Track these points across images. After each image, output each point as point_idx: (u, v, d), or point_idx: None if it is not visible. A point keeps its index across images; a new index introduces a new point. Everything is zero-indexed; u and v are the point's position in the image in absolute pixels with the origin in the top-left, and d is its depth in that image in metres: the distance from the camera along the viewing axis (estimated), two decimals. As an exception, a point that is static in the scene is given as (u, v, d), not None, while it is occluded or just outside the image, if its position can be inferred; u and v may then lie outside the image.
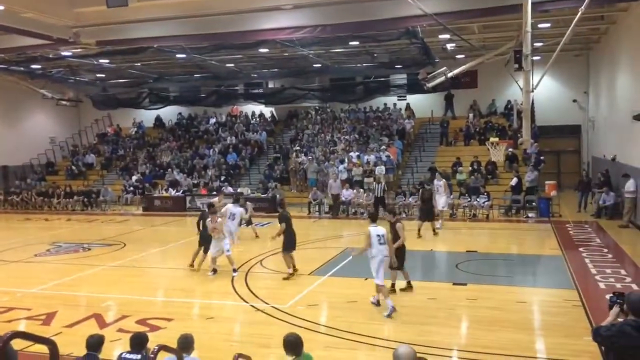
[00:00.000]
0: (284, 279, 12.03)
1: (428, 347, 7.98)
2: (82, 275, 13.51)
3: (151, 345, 5.80)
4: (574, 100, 28.23)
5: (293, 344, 5.26)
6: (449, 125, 28.28)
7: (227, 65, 26.99)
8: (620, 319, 4.98)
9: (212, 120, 33.89)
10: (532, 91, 14.46)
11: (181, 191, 26.49)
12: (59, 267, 14.63)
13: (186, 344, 5.79)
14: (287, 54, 24.43)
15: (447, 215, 20.32)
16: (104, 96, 31.13)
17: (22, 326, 9.62)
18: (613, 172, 20.49)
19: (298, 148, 28.21)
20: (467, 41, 20.33)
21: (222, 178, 27.15)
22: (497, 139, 21.92)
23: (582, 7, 12.86)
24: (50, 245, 17.70)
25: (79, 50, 20.66)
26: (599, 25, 21.15)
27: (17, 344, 6.13)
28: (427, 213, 17.80)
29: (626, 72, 19.23)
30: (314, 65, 26.69)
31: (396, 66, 25.29)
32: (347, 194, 22.60)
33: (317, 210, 23.21)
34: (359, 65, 26.65)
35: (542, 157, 23.53)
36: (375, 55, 25.16)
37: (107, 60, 24.53)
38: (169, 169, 28.96)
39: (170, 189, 26.75)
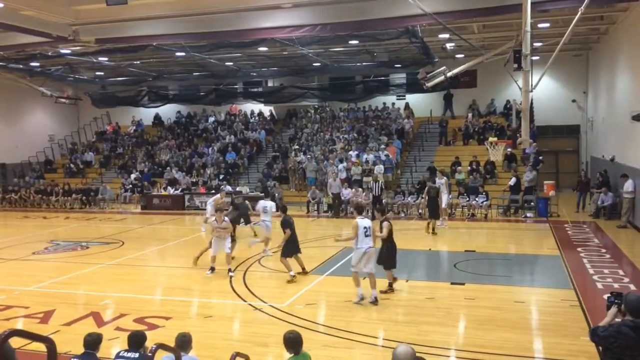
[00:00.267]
0: (288, 281, 11.95)
1: (426, 347, 7.98)
2: (80, 274, 13.50)
3: (149, 343, 5.79)
4: (573, 101, 28.25)
5: (293, 342, 5.31)
6: (448, 124, 28.29)
7: (227, 63, 27.01)
8: (617, 319, 5.00)
9: (211, 119, 33.88)
10: (531, 91, 14.47)
11: (180, 190, 26.48)
12: (57, 265, 14.62)
13: (184, 342, 5.79)
14: (286, 53, 24.45)
15: (446, 214, 20.31)
16: (103, 94, 31.17)
17: (19, 324, 9.61)
18: (612, 172, 20.51)
19: (297, 147, 28.21)
20: (467, 41, 20.33)
21: (221, 177, 27.15)
22: (496, 139, 21.92)
23: (582, 7, 12.88)
24: (49, 243, 17.70)
25: (78, 48, 20.66)
26: (599, 25, 21.16)
27: (14, 342, 6.12)
28: (433, 211, 17.89)
29: (625, 73, 19.24)
30: (314, 64, 26.71)
31: (395, 65, 25.34)
32: (345, 193, 22.61)
33: (316, 209, 23.22)
34: (358, 64, 26.67)
35: (540, 157, 23.54)
36: (375, 54, 25.19)
37: (106, 58, 24.52)
38: (168, 168, 28.94)
39: (169, 188, 26.74)
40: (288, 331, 5.50)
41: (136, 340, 5.68)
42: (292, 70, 27.56)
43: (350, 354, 8.27)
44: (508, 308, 10.03)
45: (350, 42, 21.36)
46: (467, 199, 21.37)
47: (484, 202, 21.05)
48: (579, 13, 13.22)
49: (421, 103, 29.85)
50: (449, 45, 23.63)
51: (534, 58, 16.15)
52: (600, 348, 5.18)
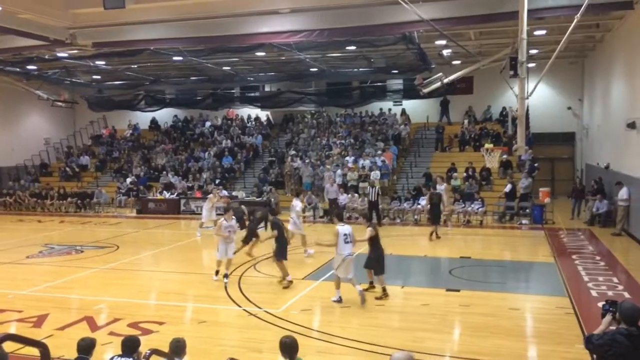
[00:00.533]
0: (284, 287, 11.92)
1: (421, 353, 7.97)
2: (74, 278, 13.44)
3: (143, 349, 5.78)
4: (569, 108, 28.34)
5: (289, 347, 5.30)
6: (444, 131, 28.34)
7: (224, 68, 27.02)
8: (612, 327, 5.01)
9: (208, 123, 33.87)
10: (527, 98, 14.54)
11: (175, 194, 26.43)
12: (51, 269, 14.56)
13: (178, 348, 5.77)
14: (283, 58, 24.48)
15: (449, 219, 20.33)
16: (100, 98, 31.16)
17: (13, 328, 9.56)
18: (606, 180, 20.57)
19: (293, 152, 28.21)
20: (464, 47, 20.38)
21: (217, 181, 27.12)
22: (491, 146, 22.00)
23: (578, 15, 12.96)
24: (43, 247, 17.62)
25: (75, 51, 20.65)
26: (595, 33, 21.27)
27: (8, 347, 6.09)
28: (435, 216, 17.99)
29: (621, 80, 19.33)
30: (311, 70, 26.75)
31: (392, 71, 25.41)
32: (342, 198, 22.61)
33: (312, 214, 23.20)
34: (355, 70, 26.73)
35: (536, 164, 23.61)
36: (372, 60, 25.24)
37: (103, 62, 24.51)
38: (164, 172, 28.89)
39: (165, 192, 26.68)
40: (284, 336, 5.48)
41: (130, 345, 5.67)
42: (289, 75, 27.59)
43: (344, 360, 8.26)
44: (503, 315, 10.04)
45: (347, 47, 21.40)
46: (463, 205, 21.40)
47: (480, 209, 21.08)
48: (575, 21, 13.29)
49: (418, 109, 29.91)
50: (445, 52, 23.71)
51: (530, 65, 16.26)
52: (595, 356, 5.18)
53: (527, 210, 21.03)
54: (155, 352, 5.83)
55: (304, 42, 18.19)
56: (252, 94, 32.05)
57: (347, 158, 26.21)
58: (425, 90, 19.41)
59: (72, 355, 5.67)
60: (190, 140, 32.81)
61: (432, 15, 14.72)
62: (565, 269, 13.48)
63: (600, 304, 5.26)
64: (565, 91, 28.28)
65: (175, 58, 22.86)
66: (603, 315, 5.11)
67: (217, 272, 12.73)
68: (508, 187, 21.51)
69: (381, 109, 31.18)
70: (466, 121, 28.61)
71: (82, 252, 16.82)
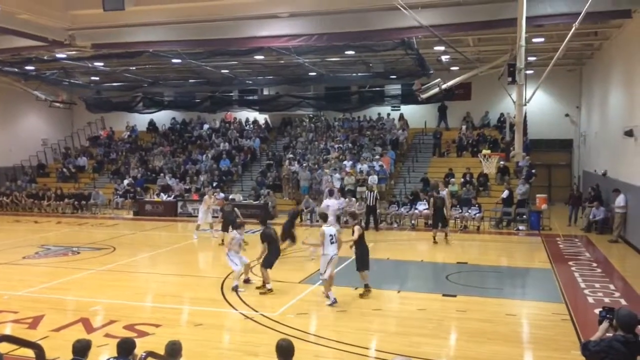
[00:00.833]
0: (261, 293, 11.78)
1: (417, 358, 7.98)
2: (70, 279, 13.40)
3: (139, 351, 5.77)
4: (566, 115, 28.43)
5: (286, 350, 5.30)
6: (442, 136, 28.39)
7: (222, 71, 27.02)
8: (609, 334, 5.01)
9: (206, 126, 33.87)
10: (525, 105, 14.56)
11: (173, 196, 26.39)
12: (47, 270, 14.52)
13: (174, 350, 5.75)
14: (282, 62, 24.50)
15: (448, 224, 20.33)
16: (98, 99, 31.07)
17: (8, 329, 9.53)
18: (604, 187, 20.62)
19: (291, 156, 28.21)
20: (462, 53, 20.44)
21: (215, 184, 27.09)
22: (489, 151, 21.99)
23: (576, 22, 12.99)
24: (39, 247, 17.57)
25: (73, 52, 20.63)
26: (593, 41, 21.35)
27: (3, 348, 6.07)
28: (440, 221, 18.04)
29: (618, 88, 19.40)
30: (309, 74, 26.75)
31: (391, 76, 25.43)
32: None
33: (309, 218, 23.19)
34: (354, 74, 26.74)
35: (533, 171, 23.65)
36: (371, 65, 25.27)
37: (101, 64, 24.48)
38: (161, 174, 28.85)
39: (162, 194, 26.65)
40: (281, 339, 5.50)
41: (125, 348, 5.66)
42: (288, 79, 27.59)
43: (341, 365, 8.24)
44: (499, 321, 10.04)
45: (346, 52, 21.44)
46: (460, 210, 21.42)
47: (477, 214, 21.10)
48: (574, 29, 13.33)
49: (416, 114, 29.97)
50: (444, 58, 23.76)
51: (528, 72, 16.26)
52: (591, 363, 5.18)
53: (524, 217, 21.07)
54: (151, 354, 5.82)
55: (302, 46, 18.22)
56: (251, 97, 32.02)
57: (345, 162, 26.22)
58: (424, 96, 19.45)
59: (68, 356, 5.64)
60: (188, 142, 32.79)
61: (431, 21, 14.76)
62: (562, 275, 13.50)
63: (597, 311, 5.26)
64: (563, 98, 28.37)
65: (174, 60, 22.86)
66: (600, 322, 5.11)
67: (243, 283, 12.43)
68: (505, 193, 21.54)
69: (379, 114, 31.23)
70: (464, 127, 28.67)
71: (78, 253, 16.79)
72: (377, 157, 26.39)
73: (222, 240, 17.92)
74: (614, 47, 19.82)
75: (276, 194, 25.90)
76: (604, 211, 19.73)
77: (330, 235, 10.92)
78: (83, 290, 12.32)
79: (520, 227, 20.85)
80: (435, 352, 8.54)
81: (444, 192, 19.27)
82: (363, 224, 18.37)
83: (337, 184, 24.06)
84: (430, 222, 21.18)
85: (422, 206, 21.80)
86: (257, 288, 12.10)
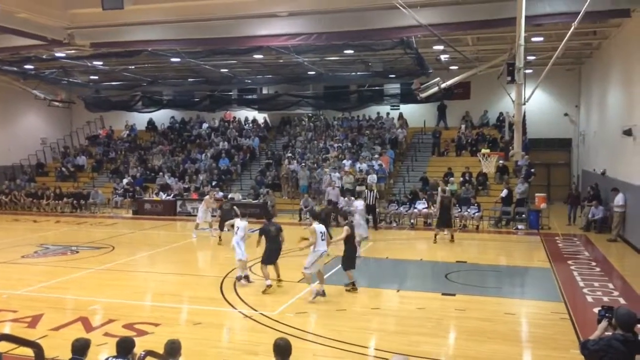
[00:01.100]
0: (263, 292, 11.80)
1: (417, 357, 7.98)
2: (69, 278, 13.39)
3: (138, 350, 5.76)
4: (565, 114, 28.44)
5: (283, 349, 5.33)
6: (441, 135, 28.39)
7: (222, 70, 27.01)
8: (608, 333, 5.01)
9: (205, 125, 33.84)
10: (524, 104, 14.58)
11: (172, 195, 26.38)
12: (46, 269, 14.51)
13: (173, 349, 5.75)
14: (281, 61, 24.49)
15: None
16: (97, 98, 31.07)
17: (7, 328, 9.52)
18: (602, 186, 20.63)
19: (290, 155, 28.21)
20: (461, 53, 20.45)
21: (214, 183, 27.09)
22: (488, 151, 22.02)
23: (575, 22, 13.02)
24: (38, 247, 17.55)
25: (73, 51, 20.61)
26: (592, 40, 21.36)
27: (2, 347, 6.07)
28: (446, 220, 18.05)
29: (617, 87, 19.41)
30: (308, 73, 26.76)
31: (390, 76, 25.44)
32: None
33: (308, 217, 23.15)
34: (353, 73, 26.76)
35: (532, 170, 23.65)
36: (370, 64, 25.28)
37: (100, 63, 24.48)
38: (160, 173, 28.84)
39: (161, 193, 26.64)
40: (279, 338, 5.53)
41: (125, 347, 5.65)
42: (287, 78, 27.61)
43: (340, 364, 8.25)
44: (498, 320, 10.05)
45: (345, 51, 21.43)
46: (459, 210, 21.41)
47: (476, 214, 21.10)
48: (573, 28, 13.35)
49: (415, 113, 29.97)
50: (443, 57, 23.78)
51: (527, 71, 16.27)
52: (590, 361, 5.18)
53: (523, 216, 21.07)
54: (150, 353, 5.82)
55: (302, 45, 18.21)
56: (250, 97, 32.02)
57: (344, 161, 26.21)
58: (423, 95, 19.45)
59: (67, 355, 5.64)
60: (187, 141, 32.78)
61: (430, 20, 14.77)
62: (561, 274, 13.51)
63: (596, 310, 5.27)
64: (562, 97, 28.39)
65: (173, 59, 22.85)
66: (599, 321, 5.11)
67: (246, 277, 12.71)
68: (504, 192, 21.54)
69: (378, 113, 31.23)
70: (463, 126, 28.68)
71: (77, 252, 16.77)
72: (376, 156, 26.38)
73: (220, 239, 17.95)
74: (613, 47, 19.83)
75: (275, 193, 25.90)
76: (602, 210, 19.74)
77: (321, 232, 11.30)
78: (82, 289, 12.31)
79: (520, 226, 20.86)
80: (434, 351, 8.55)
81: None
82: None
83: (338, 184, 24.06)
84: (429, 221, 21.25)
85: (421, 205, 21.81)
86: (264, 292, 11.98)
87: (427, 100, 21.12)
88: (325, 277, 13.08)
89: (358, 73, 26.39)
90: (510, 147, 18.30)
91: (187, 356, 6.89)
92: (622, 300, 11.04)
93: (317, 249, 11.20)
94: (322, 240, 11.30)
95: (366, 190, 21.89)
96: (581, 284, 12.57)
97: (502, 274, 14.27)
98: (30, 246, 17.52)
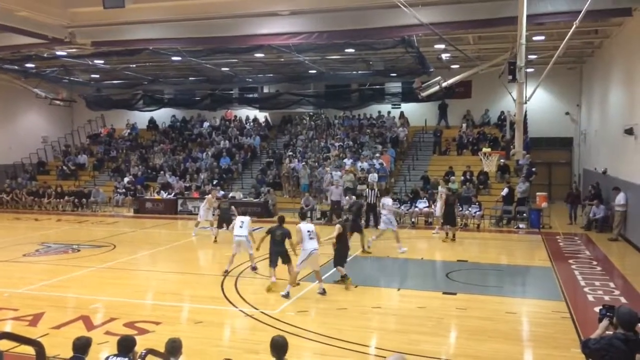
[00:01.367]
0: (268, 289, 11.82)
1: (417, 356, 7.99)
2: (70, 277, 13.40)
3: (139, 348, 5.77)
4: (567, 113, 28.42)
5: (279, 346, 5.37)
6: (442, 134, 28.38)
7: (223, 69, 27.01)
8: (609, 332, 5.01)
9: (206, 124, 33.85)
10: (525, 103, 14.58)
11: (173, 194, 26.39)
12: (48, 267, 14.52)
13: (174, 348, 5.75)
14: (282, 60, 24.48)
15: (438, 223, 20.34)
16: (98, 97, 31.11)
17: (8, 327, 9.52)
18: (604, 185, 20.62)
19: (291, 153, 28.21)
20: (462, 52, 20.45)
21: (215, 182, 27.09)
22: (489, 150, 22.00)
23: (577, 21, 13.00)
24: (40, 245, 17.57)
25: (74, 50, 20.60)
26: (593, 39, 21.34)
27: (3, 345, 6.08)
28: (450, 218, 18.13)
29: (619, 86, 19.39)
30: (310, 72, 26.75)
31: (391, 74, 25.42)
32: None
33: (309, 216, 23.15)
34: (354, 72, 26.75)
35: (533, 169, 23.64)
36: (371, 63, 25.26)
37: (102, 61, 24.48)
38: (161, 172, 28.86)
39: (162, 192, 26.65)
40: (276, 335, 5.58)
41: (126, 345, 5.66)
42: (288, 77, 27.60)
43: (341, 362, 8.25)
44: (499, 319, 10.04)
45: (346, 50, 21.42)
46: (460, 209, 21.40)
47: (477, 213, 21.10)
48: (574, 27, 13.33)
49: (416, 112, 29.96)
50: (444, 56, 23.76)
51: (528, 70, 16.27)
52: (591, 360, 5.18)
53: (525, 215, 21.06)
54: (151, 352, 5.82)
55: (303, 44, 18.20)
56: (251, 95, 32.03)
57: (345, 160, 26.20)
58: (424, 94, 19.45)
59: (68, 354, 5.64)
60: (188, 140, 32.79)
61: (432, 19, 14.76)
62: (562, 273, 13.50)
63: (597, 309, 5.27)
64: (564, 96, 28.36)
65: (174, 58, 22.85)
66: (600, 320, 5.11)
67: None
68: (504, 191, 21.53)
69: (379, 112, 31.22)
70: (464, 125, 28.67)
71: (78, 251, 16.79)
72: (377, 155, 26.37)
73: (215, 238, 17.95)
74: (615, 46, 19.80)
75: (276, 192, 25.88)
76: (604, 209, 19.73)
77: (308, 231, 11.35)
78: (83, 288, 12.32)
79: (521, 225, 20.85)
80: (435, 350, 8.54)
81: (443, 190, 19.30)
82: (363, 222, 18.50)
83: (340, 182, 24.04)
84: (430, 220, 21.25)
85: (422, 204, 21.79)
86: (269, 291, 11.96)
87: (428, 99, 21.13)
88: (324, 276, 13.13)
89: (359, 72, 26.38)
90: (512, 146, 18.32)
91: (188, 355, 6.89)
92: (623, 300, 11.03)
93: (305, 247, 11.25)
94: (310, 238, 11.30)
95: (367, 189, 21.88)
96: (582, 283, 12.57)
97: (503, 273, 14.26)
98: (31, 245, 17.54)
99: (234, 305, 10.90)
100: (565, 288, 12.10)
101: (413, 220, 21.73)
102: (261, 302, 11.01)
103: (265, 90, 32.12)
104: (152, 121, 34.91)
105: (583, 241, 18.14)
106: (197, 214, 20.92)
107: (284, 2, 15.83)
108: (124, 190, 27.82)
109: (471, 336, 9.10)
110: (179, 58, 22.59)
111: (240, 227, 13.42)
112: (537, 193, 21.97)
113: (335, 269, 12.40)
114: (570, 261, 14.89)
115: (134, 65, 26.29)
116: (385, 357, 7.94)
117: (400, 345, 8.50)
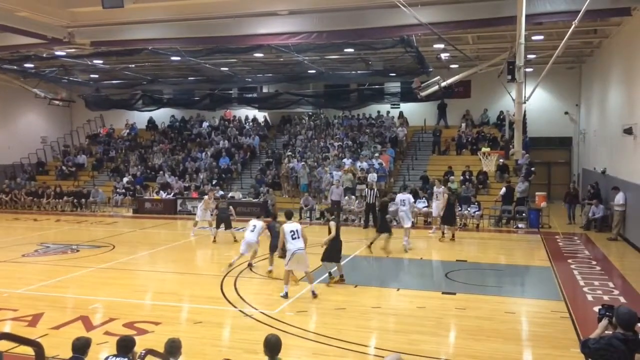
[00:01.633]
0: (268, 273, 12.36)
1: (416, 356, 7.99)
2: (69, 277, 13.40)
3: (138, 349, 5.76)
4: (566, 113, 28.44)
5: (273, 345, 5.41)
6: (442, 134, 28.39)
7: (222, 69, 27.00)
8: (608, 332, 5.01)
9: (205, 124, 33.84)
10: (524, 102, 14.56)
11: (172, 194, 26.39)
12: (47, 268, 14.51)
13: (173, 348, 5.76)
14: (282, 59, 24.47)
15: (436, 223, 20.35)
16: (97, 97, 31.06)
17: (7, 327, 9.51)
18: (603, 184, 20.63)
19: (290, 153, 28.20)
20: (461, 51, 20.44)
21: (214, 182, 27.09)
22: (488, 149, 22.03)
23: (576, 20, 12.99)
24: (39, 245, 17.56)
25: (73, 50, 20.59)
26: (592, 39, 21.34)
27: (2, 345, 6.07)
28: (450, 218, 18.16)
29: (618, 86, 19.40)
30: (309, 71, 26.73)
31: (390, 74, 25.40)
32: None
33: (309, 216, 23.17)
34: (353, 72, 26.73)
35: (532, 168, 23.65)
36: (370, 62, 25.25)
37: (101, 61, 24.46)
38: (161, 172, 28.85)
39: (161, 192, 26.64)
40: (270, 334, 5.60)
41: (125, 345, 5.66)
42: (287, 77, 27.58)
43: (340, 362, 8.25)
44: (498, 318, 10.05)
45: (345, 50, 21.41)
46: (460, 208, 21.40)
47: (476, 212, 21.10)
48: (573, 26, 13.32)
49: (415, 112, 29.97)
50: (443, 56, 23.76)
51: (527, 70, 16.27)
52: (590, 360, 5.19)
53: (524, 214, 21.07)
54: (151, 352, 5.82)
55: (302, 43, 18.19)
56: (250, 95, 31.99)
57: (345, 160, 26.20)
58: (423, 94, 19.42)
59: (67, 354, 5.64)
60: (188, 140, 32.78)
61: (431, 19, 14.75)
62: (561, 273, 13.51)
63: (596, 309, 5.27)
64: (563, 96, 28.39)
65: (173, 58, 22.83)
66: (599, 320, 5.11)
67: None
68: (503, 190, 21.53)
69: (379, 112, 31.23)
70: (463, 125, 28.69)
71: (77, 251, 16.78)
72: (376, 155, 26.38)
73: (214, 238, 17.96)
74: (614, 45, 19.81)
75: (275, 191, 25.90)
76: (603, 209, 19.74)
77: (292, 230, 11.34)
78: (82, 288, 12.32)
79: (520, 225, 20.86)
80: (434, 349, 8.55)
81: (440, 190, 19.30)
82: (362, 221, 18.57)
83: (341, 183, 24.05)
84: (430, 220, 21.24)
85: (421, 204, 21.78)
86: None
87: (427, 98, 21.09)
88: (324, 276, 13.13)
89: (358, 72, 26.36)
90: (511, 146, 18.33)
91: (188, 355, 6.89)
92: (622, 299, 11.04)
93: (288, 247, 11.28)
94: (294, 238, 11.25)
95: (366, 189, 21.88)
96: (581, 282, 12.57)
97: (502, 273, 14.27)
98: (30, 245, 17.53)
99: (233, 305, 10.90)
100: (564, 288, 12.11)
101: (412, 220, 21.70)
102: (261, 302, 11.00)
103: (265, 90, 32.10)
104: (151, 121, 34.90)
105: (582, 241, 18.15)
106: (195, 214, 20.91)
107: (283, 2, 15.82)
108: (123, 190, 27.80)
109: (470, 336, 9.10)
110: (178, 58, 22.58)
111: (252, 231, 13.56)
112: (536, 193, 22.01)
113: (322, 264, 12.49)
114: (570, 261, 14.90)
115: (133, 65, 26.28)
116: (384, 357, 7.94)
117: (399, 345, 8.50)
